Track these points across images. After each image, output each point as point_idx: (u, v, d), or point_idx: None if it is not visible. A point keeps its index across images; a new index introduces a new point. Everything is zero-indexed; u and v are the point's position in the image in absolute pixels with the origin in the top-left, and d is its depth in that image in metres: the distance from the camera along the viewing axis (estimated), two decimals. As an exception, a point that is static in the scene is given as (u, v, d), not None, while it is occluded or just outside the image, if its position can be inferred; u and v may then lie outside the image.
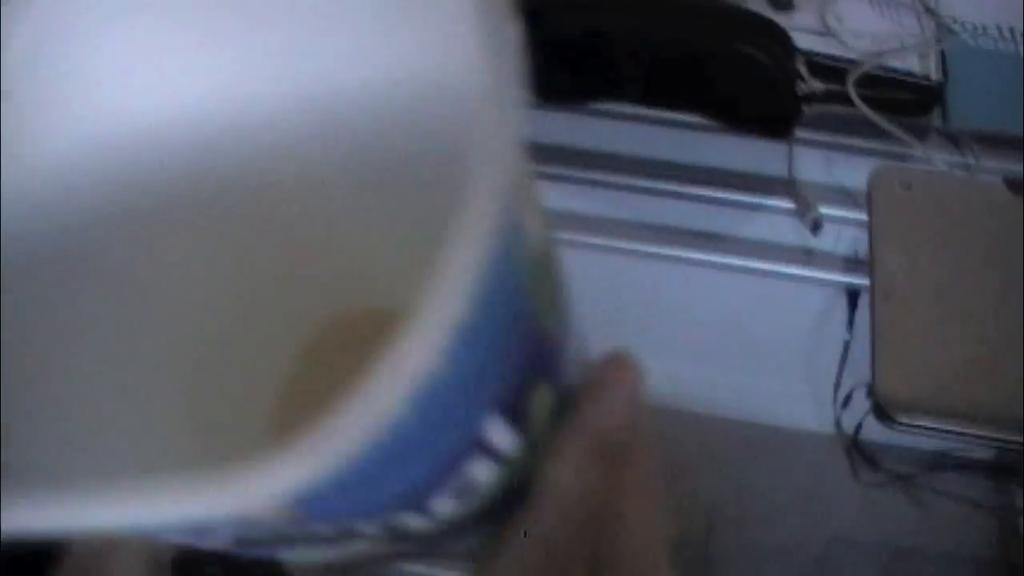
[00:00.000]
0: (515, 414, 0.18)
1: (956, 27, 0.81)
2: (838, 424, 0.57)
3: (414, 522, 0.18)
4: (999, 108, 0.76)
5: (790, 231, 0.68)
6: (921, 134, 0.74)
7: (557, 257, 0.19)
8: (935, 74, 0.76)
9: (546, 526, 0.20)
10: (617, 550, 0.21)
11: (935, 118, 0.76)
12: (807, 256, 0.67)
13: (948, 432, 0.52)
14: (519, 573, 0.20)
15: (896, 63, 0.76)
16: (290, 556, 0.22)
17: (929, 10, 0.81)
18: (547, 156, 0.72)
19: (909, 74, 0.75)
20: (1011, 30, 0.81)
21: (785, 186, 0.70)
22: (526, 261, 0.16)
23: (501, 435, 0.18)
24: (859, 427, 0.56)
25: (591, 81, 0.74)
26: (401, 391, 0.14)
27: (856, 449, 0.56)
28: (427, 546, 0.21)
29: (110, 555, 0.23)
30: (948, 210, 0.64)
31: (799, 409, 0.59)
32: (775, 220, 0.69)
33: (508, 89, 0.14)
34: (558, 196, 0.71)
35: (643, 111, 0.75)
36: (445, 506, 0.18)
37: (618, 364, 0.23)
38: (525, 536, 0.20)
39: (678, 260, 0.66)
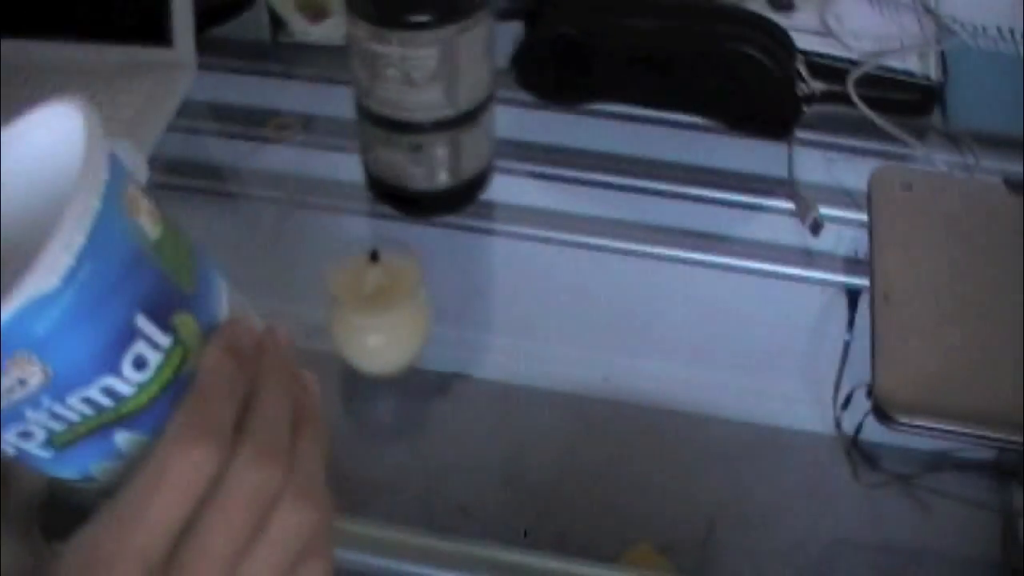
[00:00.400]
0: (160, 321, 0.31)
1: (956, 27, 0.81)
2: (838, 425, 0.57)
3: (121, 387, 0.30)
4: (999, 108, 0.76)
5: (790, 231, 0.68)
6: (921, 134, 0.74)
7: (186, 244, 0.33)
8: (935, 74, 0.76)
9: (197, 393, 0.32)
10: (254, 413, 0.32)
11: (935, 118, 0.76)
12: (807, 256, 0.67)
13: (948, 432, 0.52)
14: (183, 425, 0.31)
15: (896, 63, 0.76)
16: (95, 472, 0.32)
17: (929, 10, 0.81)
18: (547, 156, 0.72)
19: (909, 74, 0.75)
20: (1011, 30, 0.81)
21: (785, 187, 0.70)
22: (141, 235, 0.30)
23: (152, 331, 0.31)
24: (859, 427, 0.56)
25: (591, 81, 0.74)
26: (55, 268, 0.27)
27: (856, 449, 0.56)
28: (140, 421, 0.31)
29: None
30: (948, 210, 0.64)
31: (799, 409, 0.59)
32: (775, 221, 0.69)
33: (100, 163, 0.29)
34: (558, 196, 0.71)
35: (643, 111, 0.75)
36: (133, 373, 0.30)
37: (255, 321, 0.36)
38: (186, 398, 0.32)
39: (678, 260, 0.66)
